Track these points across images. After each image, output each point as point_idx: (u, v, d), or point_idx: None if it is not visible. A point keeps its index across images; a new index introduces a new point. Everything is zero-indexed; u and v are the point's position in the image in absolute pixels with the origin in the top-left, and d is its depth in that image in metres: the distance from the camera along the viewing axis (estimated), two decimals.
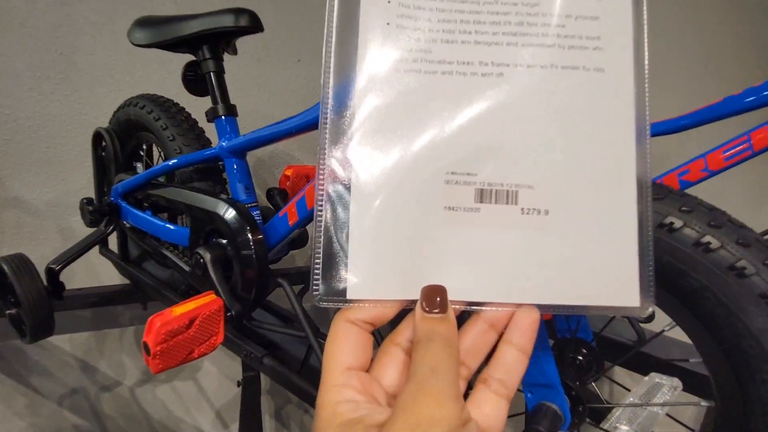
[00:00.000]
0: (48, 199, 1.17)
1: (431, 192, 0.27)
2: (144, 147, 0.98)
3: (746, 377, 0.36)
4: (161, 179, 0.85)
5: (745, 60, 2.05)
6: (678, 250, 0.37)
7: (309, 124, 0.63)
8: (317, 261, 0.27)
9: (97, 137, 1.00)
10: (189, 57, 0.78)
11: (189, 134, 0.84)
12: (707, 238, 0.37)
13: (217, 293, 0.67)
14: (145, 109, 0.87)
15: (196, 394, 1.38)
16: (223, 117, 0.75)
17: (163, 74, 1.22)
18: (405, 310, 0.28)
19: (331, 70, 0.29)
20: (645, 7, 0.29)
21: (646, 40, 0.29)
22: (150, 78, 1.21)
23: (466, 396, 0.26)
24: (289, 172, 0.90)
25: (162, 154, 0.96)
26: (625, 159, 0.28)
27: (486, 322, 0.27)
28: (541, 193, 0.28)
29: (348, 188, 0.27)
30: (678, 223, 0.38)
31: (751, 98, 0.74)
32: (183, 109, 0.89)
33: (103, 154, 1.01)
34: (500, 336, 0.27)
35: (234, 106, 0.76)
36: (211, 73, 0.75)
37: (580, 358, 0.52)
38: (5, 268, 0.76)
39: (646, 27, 0.29)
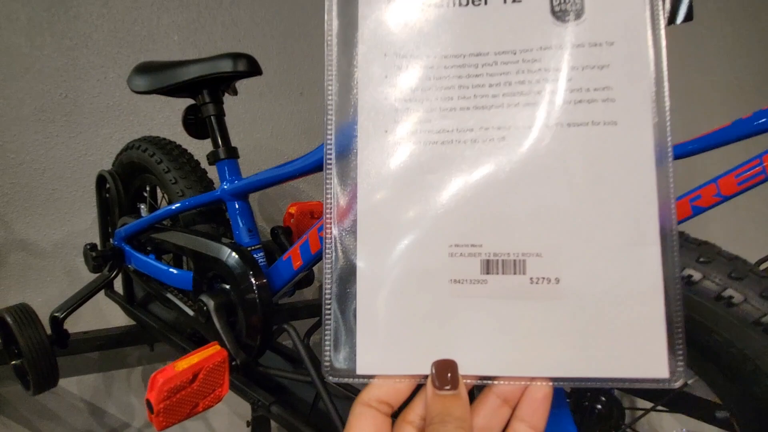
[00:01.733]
0: (54, 240, 1.17)
1: (435, 265, 0.27)
2: (147, 189, 0.98)
3: None
4: (165, 222, 0.85)
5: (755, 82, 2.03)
6: (699, 305, 0.35)
7: (311, 166, 0.62)
8: (327, 336, 0.27)
9: (101, 180, 1.00)
10: (189, 100, 0.78)
11: (191, 176, 0.83)
12: (729, 291, 0.35)
13: (221, 342, 0.66)
14: (147, 152, 0.87)
15: None
16: (224, 160, 0.75)
17: (167, 113, 1.23)
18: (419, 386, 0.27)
19: (333, 143, 0.28)
20: (664, 47, 0.27)
21: (667, 84, 0.26)
22: (154, 117, 1.22)
23: None
24: (292, 210, 0.89)
25: (165, 196, 0.96)
26: (646, 217, 0.26)
27: (499, 397, 0.26)
28: (550, 260, 0.26)
29: (354, 262, 0.27)
30: (697, 276, 0.36)
31: (761, 120, 0.72)
32: (185, 151, 0.89)
33: (107, 196, 1.02)
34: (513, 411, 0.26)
35: (235, 149, 0.76)
36: (212, 117, 0.74)
37: (599, 407, 0.49)
38: (8, 319, 0.76)
39: (666, 69, 0.26)
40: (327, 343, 0.27)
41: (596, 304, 0.26)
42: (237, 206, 0.75)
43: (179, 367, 0.57)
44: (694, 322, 0.36)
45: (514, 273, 0.27)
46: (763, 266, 1.10)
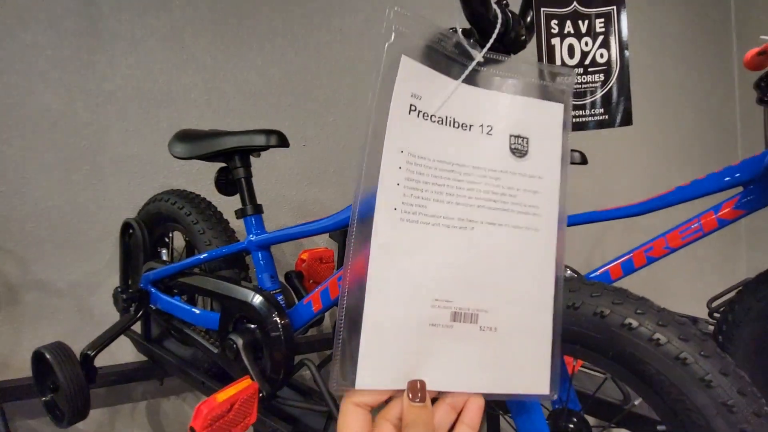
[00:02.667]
0: (69, 280, 1.24)
1: (421, 312, 0.37)
2: (170, 235, 1.09)
3: None
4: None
5: (703, 147, 2.29)
6: (636, 345, 0.49)
7: (332, 227, 0.75)
8: (337, 359, 0.35)
9: (126, 227, 1.10)
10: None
11: (217, 227, 0.95)
12: (657, 335, 0.48)
13: (250, 376, 0.76)
14: (176, 204, 0.98)
15: None
16: (251, 216, 0.87)
17: (181, 163, 1.35)
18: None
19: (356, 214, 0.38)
20: (565, 186, 0.42)
21: (565, 207, 0.42)
22: (170, 167, 1.34)
23: None
24: (305, 256, 1.01)
25: (188, 242, 1.07)
26: (546, 292, 0.40)
27: (449, 405, 0.36)
28: (493, 315, 0.38)
29: (362, 308, 0.35)
30: (635, 324, 0.49)
31: (696, 188, 0.89)
32: (211, 204, 1.00)
33: (129, 242, 1.11)
34: (457, 416, 0.36)
35: (260, 206, 0.88)
36: (242, 179, 0.87)
37: (571, 426, 0.62)
38: (48, 356, 0.84)
39: (565, 206, 0.42)
40: (336, 363, 0.35)
41: (514, 346, 0.39)
42: (261, 256, 0.86)
43: (220, 399, 0.67)
44: (634, 358, 0.49)
45: (471, 322, 0.38)
46: (714, 303, 1.27)
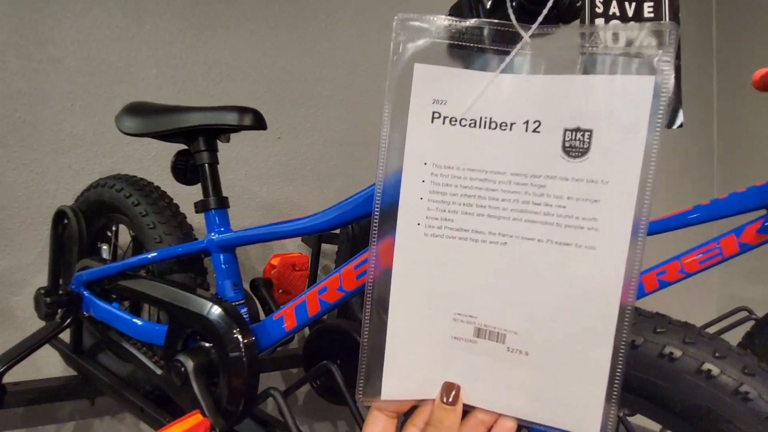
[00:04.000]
0: None
1: (442, 324, 0.36)
2: (113, 229, 0.92)
3: None
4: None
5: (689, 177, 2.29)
6: (718, 398, 0.38)
7: (309, 230, 0.61)
8: (362, 371, 0.37)
9: (60, 216, 0.92)
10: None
11: (171, 222, 0.79)
12: (744, 386, 0.38)
13: (201, 409, 0.61)
14: (122, 192, 0.82)
15: None
16: (214, 210, 0.72)
17: (134, 146, 1.17)
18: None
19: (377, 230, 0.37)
20: (651, 190, 0.32)
21: (646, 226, 0.32)
22: (120, 151, 1.16)
23: None
24: (275, 262, 0.86)
25: (134, 238, 0.90)
26: (606, 322, 0.33)
27: (479, 420, 0.36)
28: (523, 338, 0.35)
29: (385, 321, 0.36)
30: (716, 371, 0.38)
31: (716, 208, 0.81)
32: (165, 193, 0.84)
33: (63, 233, 0.93)
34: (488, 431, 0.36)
35: (226, 198, 0.74)
36: (206, 165, 0.72)
37: None
38: None
39: (648, 213, 0.32)
40: (362, 375, 0.37)
41: (552, 375, 0.34)
42: (223, 259, 0.72)
43: None
44: (713, 415, 0.38)
45: (496, 341, 0.35)
46: (708, 329, 1.20)
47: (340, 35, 1.43)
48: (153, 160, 1.19)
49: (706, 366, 0.39)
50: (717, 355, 0.39)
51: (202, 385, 0.63)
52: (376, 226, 0.36)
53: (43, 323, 0.91)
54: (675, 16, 0.54)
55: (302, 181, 1.39)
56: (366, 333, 0.36)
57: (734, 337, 0.97)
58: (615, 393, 0.33)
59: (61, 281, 0.93)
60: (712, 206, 0.82)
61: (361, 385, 0.36)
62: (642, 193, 0.32)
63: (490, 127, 0.35)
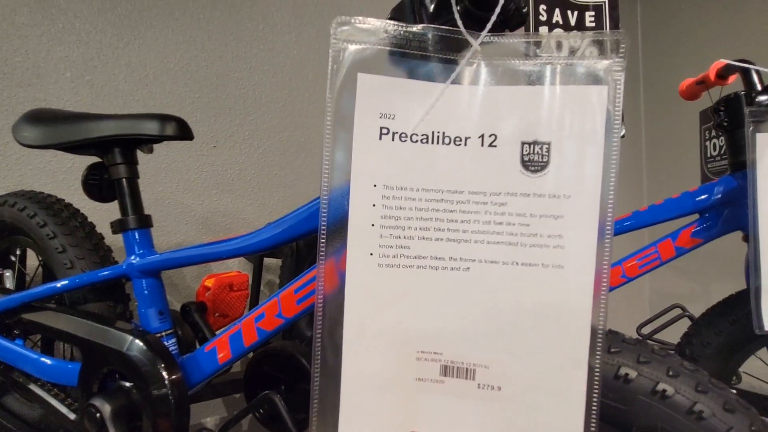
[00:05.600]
0: None
1: (405, 366, 0.33)
2: (17, 252, 0.80)
3: None
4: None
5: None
6: (671, 418, 0.37)
7: (247, 250, 0.56)
8: (315, 419, 0.33)
9: None
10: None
11: (85, 244, 0.70)
12: (698, 405, 0.37)
13: None
14: (25, 211, 0.71)
15: None
16: (134, 230, 0.64)
17: (47, 158, 1.05)
18: None
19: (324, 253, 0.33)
20: (613, 202, 0.31)
21: (612, 239, 0.31)
22: (30, 163, 1.03)
23: None
24: (209, 283, 0.79)
25: (44, 264, 0.80)
26: (578, 345, 0.31)
27: None
28: (495, 372, 0.32)
29: (339, 363, 0.33)
30: (670, 390, 0.37)
31: (653, 214, 0.84)
32: (78, 212, 0.75)
33: None
34: None
35: (148, 217, 0.66)
36: (123, 180, 0.64)
37: None
38: None
39: (612, 227, 0.31)
40: (314, 427, 0.33)
41: (530, 410, 0.32)
42: (145, 284, 0.64)
43: None
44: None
45: (466, 378, 0.33)
46: (644, 329, 1.25)
47: (278, 38, 1.37)
48: (68, 172, 1.07)
49: (661, 386, 0.37)
50: (671, 373, 0.38)
51: (122, 430, 0.55)
52: (323, 250, 0.33)
53: None
54: (615, 25, 0.54)
55: (241, 192, 1.31)
56: (316, 374, 0.33)
57: (671, 335, 1.01)
58: (594, 420, 0.32)
59: None
60: (649, 212, 0.84)
61: None
62: (605, 205, 0.31)
63: (443, 143, 0.32)
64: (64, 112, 0.65)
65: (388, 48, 0.32)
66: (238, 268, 1.25)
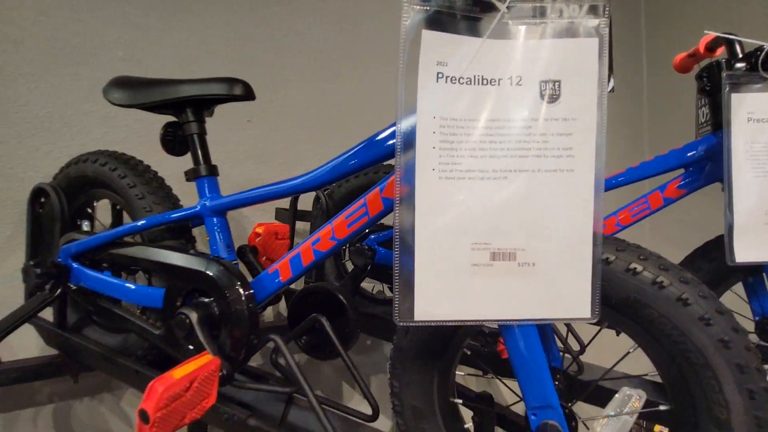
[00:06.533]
0: None
1: (462, 255, 0.43)
2: (94, 205, 0.94)
3: (695, 385, 0.48)
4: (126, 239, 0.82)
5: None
6: (640, 288, 0.49)
7: (308, 185, 0.68)
8: (396, 297, 0.44)
9: (38, 194, 0.93)
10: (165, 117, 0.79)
11: (159, 192, 0.83)
12: (661, 278, 0.49)
13: (209, 353, 0.66)
14: (107, 166, 0.84)
15: None
16: (205, 177, 0.77)
17: (104, 129, 1.18)
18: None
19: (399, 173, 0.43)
20: (604, 119, 0.43)
21: (604, 148, 0.43)
22: (90, 132, 1.16)
23: None
24: (260, 230, 0.92)
25: (116, 213, 0.93)
26: (585, 229, 0.43)
27: None
28: (530, 253, 0.43)
29: (413, 252, 0.44)
30: (639, 267, 0.50)
31: (644, 169, 0.95)
32: (149, 167, 0.88)
33: (41, 211, 0.94)
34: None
35: (215, 167, 0.79)
36: (194, 135, 0.77)
37: (557, 383, 0.61)
38: None
39: (604, 139, 0.43)
40: (396, 300, 0.44)
41: (555, 278, 0.43)
42: (216, 222, 0.77)
43: (177, 375, 0.58)
44: (638, 303, 0.49)
45: (509, 260, 0.43)
46: None
47: (301, 20, 1.48)
48: (123, 142, 1.20)
49: (633, 266, 0.50)
50: (641, 257, 0.50)
51: (207, 333, 0.69)
52: (399, 166, 0.43)
53: (16, 305, 0.92)
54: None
55: (273, 164, 1.43)
56: (398, 263, 0.43)
57: None
58: (596, 277, 0.44)
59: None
60: (641, 168, 0.96)
61: (396, 308, 0.44)
62: (601, 124, 0.43)
63: (482, 84, 0.43)
64: (145, 79, 0.78)
65: (443, 10, 0.42)
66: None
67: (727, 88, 0.82)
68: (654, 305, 0.49)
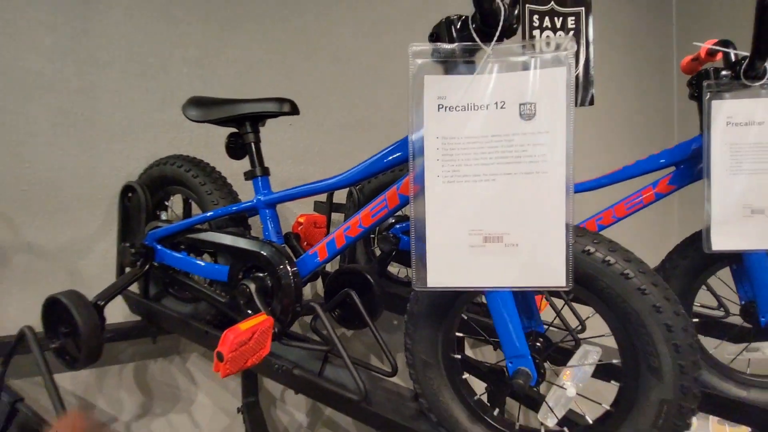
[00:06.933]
0: (59, 244, 1.27)
1: (462, 238, 0.58)
2: (170, 199, 1.15)
3: (636, 341, 0.63)
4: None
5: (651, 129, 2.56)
6: (593, 265, 0.64)
7: (345, 182, 0.86)
8: (414, 268, 0.59)
9: (127, 190, 1.15)
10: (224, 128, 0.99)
11: (223, 189, 1.03)
12: (608, 257, 0.64)
13: (265, 314, 0.86)
14: (183, 167, 1.05)
15: (191, 426, 1.46)
16: (259, 177, 0.96)
17: (174, 134, 1.40)
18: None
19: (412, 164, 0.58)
20: (572, 136, 0.57)
21: (572, 154, 0.57)
22: (162, 137, 1.38)
23: None
24: (302, 219, 1.11)
25: (187, 206, 1.14)
26: (559, 218, 0.57)
27: None
28: (514, 236, 0.57)
29: (424, 233, 0.59)
30: (592, 249, 0.64)
31: (639, 167, 1.07)
32: (214, 168, 1.08)
33: (129, 204, 1.17)
34: None
35: (268, 168, 0.98)
36: (252, 143, 0.96)
37: (538, 344, 0.77)
38: (65, 301, 0.90)
39: (572, 147, 0.56)
40: (414, 270, 0.59)
41: (536, 254, 0.57)
42: (268, 213, 0.96)
43: (243, 327, 0.77)
44: (590, 277, 0.64)
45: (497, 242, 0.57)
46: None
47: (334, 37, 1.66)
48: (189, 146, 1.42)
49: (587, 248, 0.64)
50: (595, 241, 0.64)
51: (263, 300, 0.88)
52: (411, 172, 0.59)
53: (108, 282, 1.14)
54: (588, 29, 0.79)
55: (311, 163, 1.63)
56: (414, 241, 0.59)
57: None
58: (569, 254, 0.57)
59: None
60: (635, 166, 1.08)
61: (414, 278, 0.59)
62: (569, 130, 0.56)
63: (474, 109, 0.57)
64: (214, 99, 0.98)
65: (438, 60, 0.57)
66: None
67: (708, 96, 0.93)
68: (603, 278, 0.63)
